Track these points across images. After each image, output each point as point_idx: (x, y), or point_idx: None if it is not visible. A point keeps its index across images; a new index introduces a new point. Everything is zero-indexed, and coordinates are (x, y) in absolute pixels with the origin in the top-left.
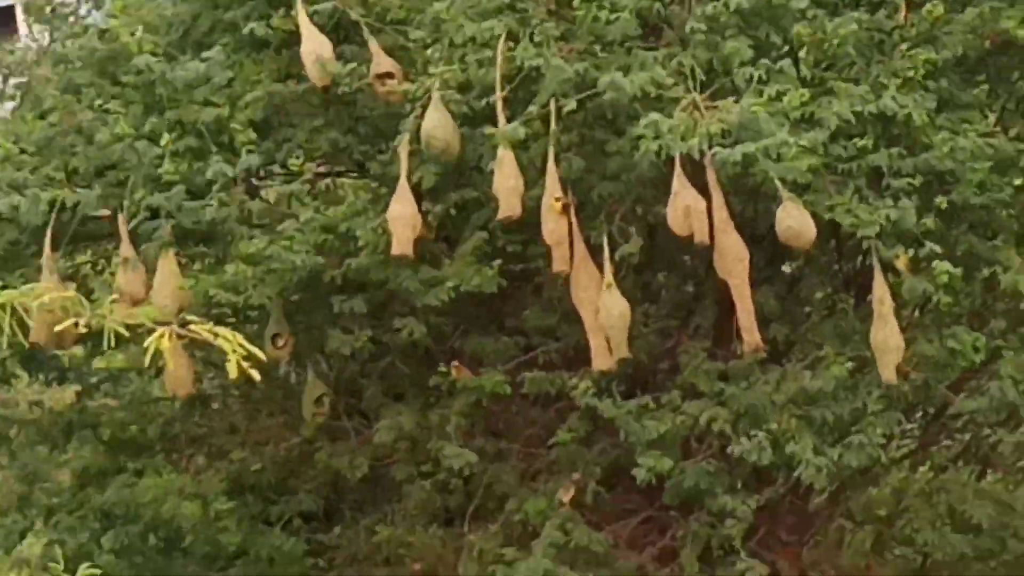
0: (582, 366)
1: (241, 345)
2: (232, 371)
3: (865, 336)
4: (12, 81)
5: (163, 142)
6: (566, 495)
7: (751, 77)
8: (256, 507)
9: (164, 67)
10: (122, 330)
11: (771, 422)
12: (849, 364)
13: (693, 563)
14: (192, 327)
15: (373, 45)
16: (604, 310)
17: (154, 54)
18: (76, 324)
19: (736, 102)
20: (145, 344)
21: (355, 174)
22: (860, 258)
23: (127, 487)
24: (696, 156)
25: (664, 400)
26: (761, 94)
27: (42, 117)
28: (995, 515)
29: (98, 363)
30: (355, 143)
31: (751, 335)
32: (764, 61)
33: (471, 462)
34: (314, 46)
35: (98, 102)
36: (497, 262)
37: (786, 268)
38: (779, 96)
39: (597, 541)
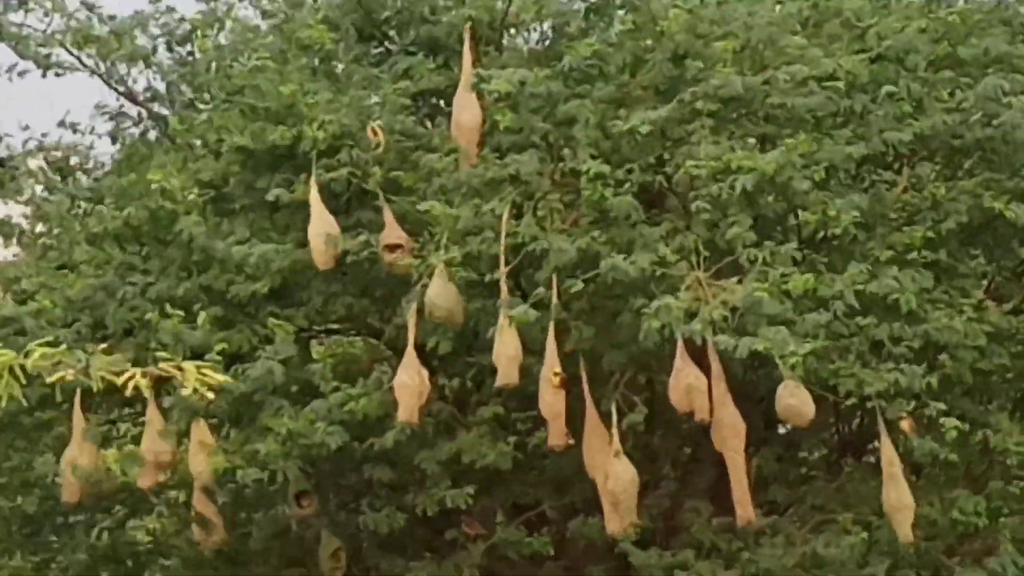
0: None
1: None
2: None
3: (867, 498)
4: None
5: (200, 319)
6: None
7: (755, 258)
8: None
9: (206, 236)
10: None
11: None
12: (856, 528)
13: None
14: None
15: (387, 215)
16: (613, 477)
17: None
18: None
19: (739, 282)
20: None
21: (371, 339)
22: (861, 420)
23: None
24: (698, 341)
25: (680, 558)
26: (765, 276)
27: (68, 268)
28: None
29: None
30: (369, 307)
31: (744, 509)
32: (768, 244)
33: None
34: (322, 226)
35: (130, 259)
36: (512, 439)
37: (782, 430)
38: (783, 278)
39: None
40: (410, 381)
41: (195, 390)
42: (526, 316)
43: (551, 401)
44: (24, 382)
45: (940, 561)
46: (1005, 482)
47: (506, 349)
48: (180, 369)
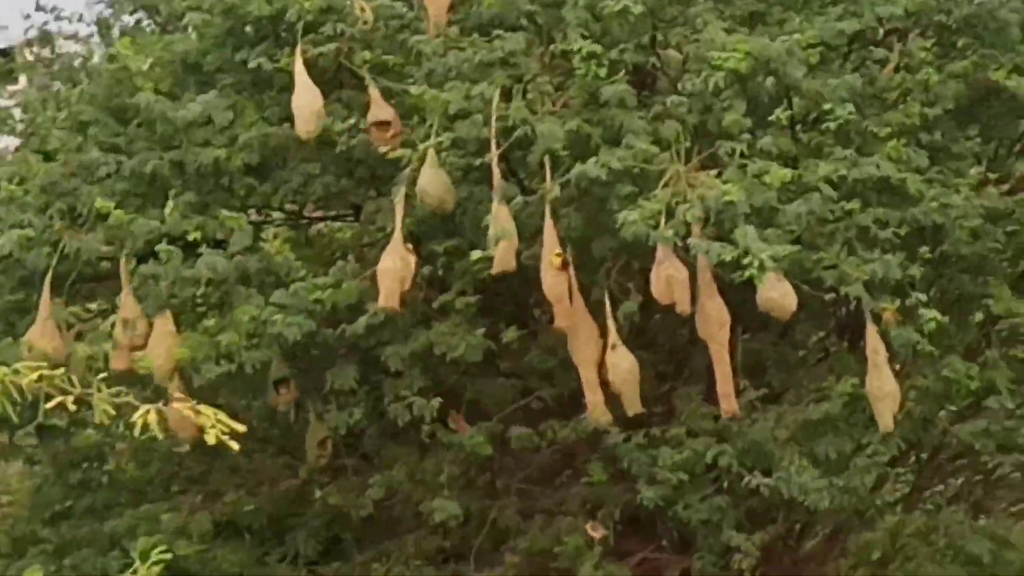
0: (578, 412)
1: (220, 420)
2: (211, 440)
3: (861, 378)
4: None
5: (167, 209)
6: (596, 532)
7: (734, 151)
8: (255, 548)
9: (166, 106)
10: (110, 409)
11: (775, 457)
12: (850, 387)
13: None
14: (176, 404)
15: (373, 92)
16: (613, 368)
17: (157, 91)
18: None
19: (719, 175)
20: (133, 419)
21: (350, 218)
22: (852, 304)
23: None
24: (671, 246)
25: (669, 435)
26: (744, 168)
27: (46, 158)
28: (994, 550)
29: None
30: (351, 187)
31: (728, 402)
32: (746, 136)
33: (454, 514)
34: (305, 99)
35: (102, 139)
36: (481, 331)
37: None
38: (761, 173)
39: None
40: (393, 265)
41: (216, 436)
42: (509, 191)
43: (553, 283)
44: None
45: (938, 432)
46: (1007, 348)
47: (501, 235)
48: (196, 412)
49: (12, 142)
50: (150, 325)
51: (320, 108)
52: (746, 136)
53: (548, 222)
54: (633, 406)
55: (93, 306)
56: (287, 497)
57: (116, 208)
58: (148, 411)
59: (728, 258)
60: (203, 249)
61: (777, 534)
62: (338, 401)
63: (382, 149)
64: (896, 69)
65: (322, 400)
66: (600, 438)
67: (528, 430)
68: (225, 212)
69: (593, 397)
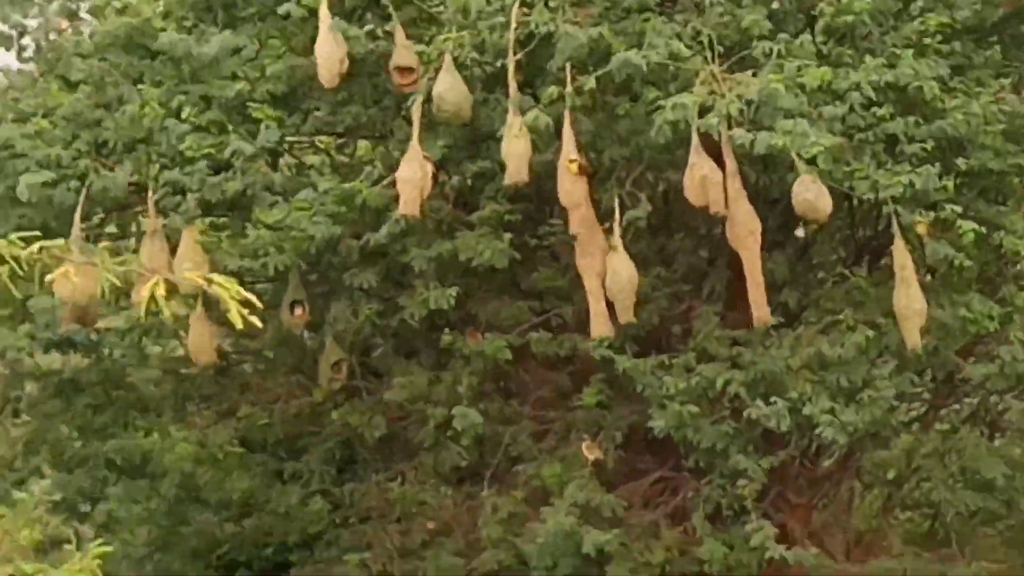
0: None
1: (239, 292)
2: (235, 320)
3: (878, 301)
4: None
5: (184, 115)
6: (591, 453)
7: (770, 51)
8: (271, 463)
9: (190, 43)
10: (115, 280)
11: (787, 386)
12: (868, 332)
13: (704, 524)
14: (188, 274)
15: (399, 36)
16: (611, 274)
17: (179, 30)
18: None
19: (754, 75)
20: (139, 293)
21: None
22: (875, 224)
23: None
24: (715, 136)
25: (679, 361)
26: (780, 68)
27: (68, 85)
28: (1008, 473)
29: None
30: (377, 116)
31: (760, 309)
32: (783, 35)
33: (477, 423)
34: (328, 47)
35: (130, 70)
36: (508, 236)
37: (799, 233)
38: (799, 71)
39: (615, 504)
40: (412, 175)
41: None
42: (536, 121)
43: (571, 189)
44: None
45: (950, 361)
46: (1018, 288)
47: (515, 147)
48: (209, 282)
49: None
50: (174, 242)
51: (343, 56)
52: (782, 36)
53: (567, 128)
54: (626, 314)
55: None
56: (300, 417)
57: (141, 143)
58: (155, 281)
59: (780, 144)
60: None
61: (789, 457)
62: (352, 309)
63: (404, 91)
64: None
65: (334, 321)
66: (613, 359)
67: (550, 336)
68: (253, 104)
69: (596, 306)
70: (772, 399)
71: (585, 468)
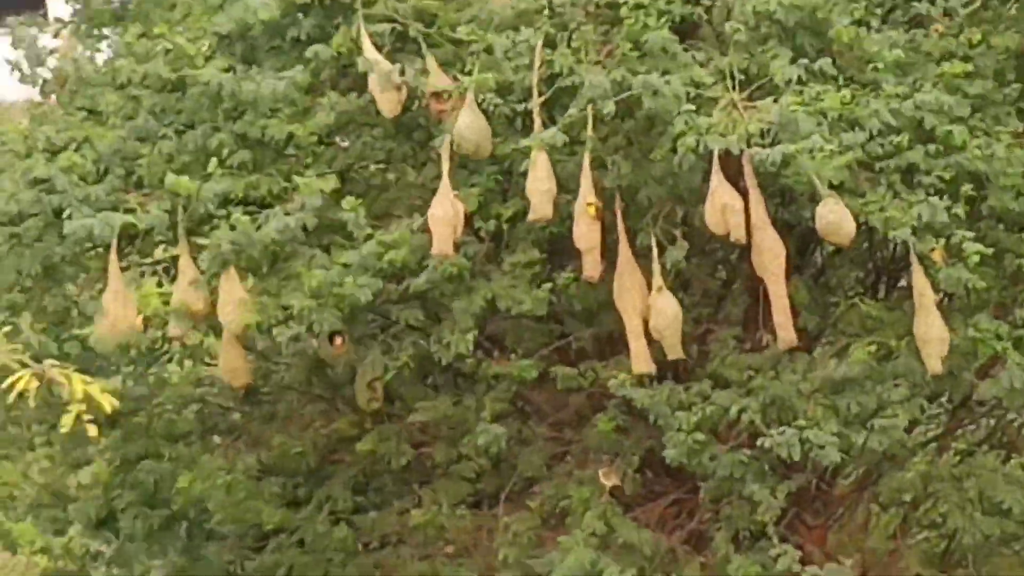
0: (615, 354)
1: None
2: (66, 424)
3: (892, 325)
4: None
5: (221, 156)
6: (608, 480)
7: (790, 79)
8: (289, 493)
9: (233, 83)
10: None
11: (798, 412)
12: (872, 348)
13: (727, 545)
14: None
15: (431, 63)
16: (657, 313)
17: (225, 70)
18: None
19: (775, 102)
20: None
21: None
22: (892, 248)
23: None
24: (735, 151)
25: (693, 390)
26: (800, 94)
27: (94, 116)
28: None
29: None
30: (409, 151)
31: (786, 332)
32: (803, 61)
33: (500, 436)
34: (383, 72)
35: (162, 102)
36: (548, 285)
37: (816, 257)
38: (818, 96)
39: (643, 539)
40: (443, 213)
41: None
42: (554, 139)
43: (586, 232)
44: None
45: (964, 383)
46: None
47: (539, 183)
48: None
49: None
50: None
51: (399, 83)
52: (802, 62)
53: (585, 170)
54: (674, 351)
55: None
56: (325, 445)
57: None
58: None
59: (794, 149)
60: (252, 210)
61: (806, 480)
62: (384, 346)
63: (441, 117)
64: (940, 34)
65: (370, 343)
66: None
67: (573, 370)
68: (299, 178)
69: (637, 345)
70: (783, 428)
71: (603, 496)
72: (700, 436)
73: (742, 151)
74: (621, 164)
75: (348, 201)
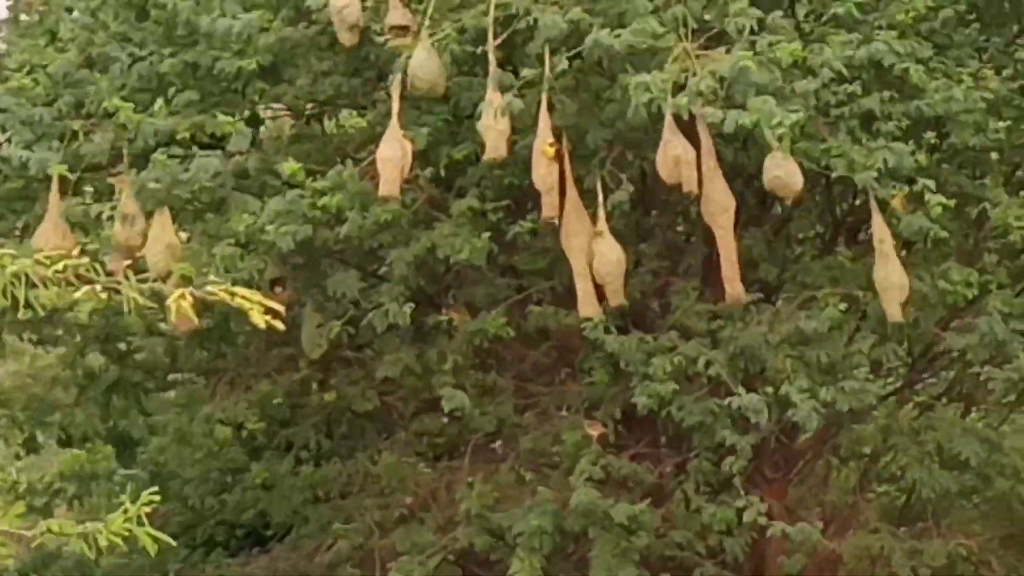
0: (574, 307)
1: (259, 301)
2: (258, 322)
3: (856, 275)
4: None
5: (167, 92)
6: (594, 430)
7: (743, 27)
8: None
9: (191, 12)
10: (139, 297)
11: (766, 362)
12: (842, 305)
13: (696, 496)
14: (211, 288)
15: None
16: (599, 257)
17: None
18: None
19: (728, 51)
20: (169, 303)
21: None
22: (853, 199)
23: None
24: (685, 116)
25: (660, 341)
26: (753, 45)
27: (53, 39)
28: (982, 453)
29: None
30: (359, 87)
31: (733, 286)
32: (756, 11)
33: (464, 405)
34: (343, 3)
35: (117, 30)
36: (487, 234)
37: (775, 210)
38: (771, 46)
39: (642, 472)
40: (392, 154)
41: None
42: (511, 106)
43: (544, 174)
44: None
45: (930, 333)
46: (1002, 258)
47: (494, 122)
48: (232, 295)
49: None
50: (148, 224)
51: (359, 14)
52: (752, 11)
53: (543, 111)
54: (616, 297)
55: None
56: (292, 391)
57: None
58: (182, 294)
59: (748, 123)
60: (198, 150)
61: (767, 433)
62: (336, 307)
63: (400, 51)
64: None
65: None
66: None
67: (544, 309)
68: (221, 116)
69: (584, 286)
70: (753, 387)
71: (593, 444)
72: (673, 385)
73: (692, 114)
74: (567, 105)
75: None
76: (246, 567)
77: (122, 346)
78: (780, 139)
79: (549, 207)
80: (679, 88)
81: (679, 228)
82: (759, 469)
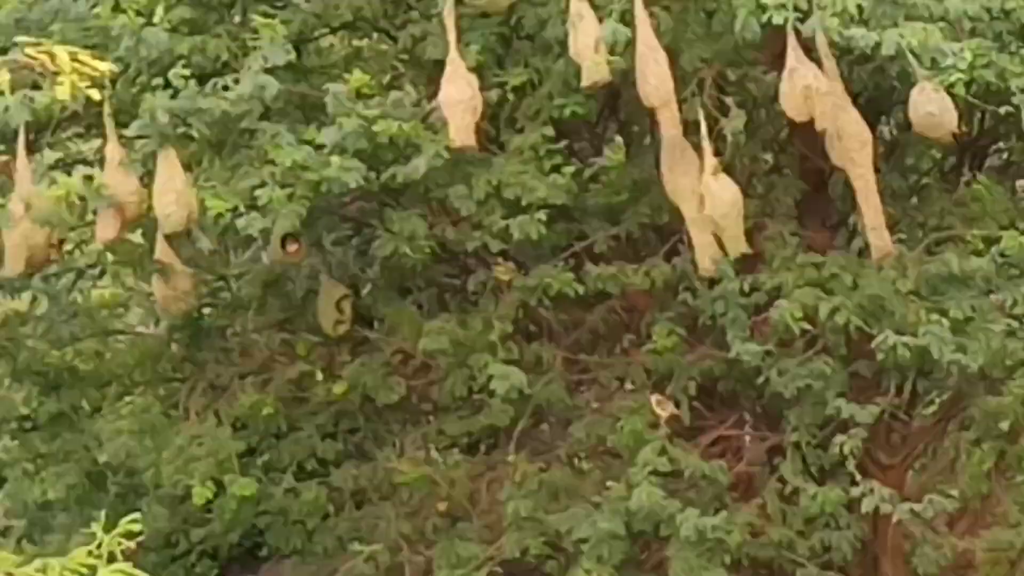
0: (640, 260)
1: (79, 61)
2: (63, 93)
3: (993, 211)
4: None
5: (156, 17)
6: (664, 409)
7: None
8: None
9: None
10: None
11: (897, 313)
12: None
13: (797, 476)
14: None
15: None
16: (711, 199)
17: None
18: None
19: None
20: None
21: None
22: (980, 116)
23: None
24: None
25: (767, 285)
26: None
27: None
28: None
29: None
30: (379, 10)
31: (880, 236)
32: None
33: (518, 384)
34: None
35: None
36: (569, 168)
37: (885, 129)
38: None
39: (718, 472)
40: (461, 95)
41: (71, 86)
42: (619, 33)
43: (658, 84)
44: None
45: None
46: None
47: (587, 39)
48: (51, 56)
49: None
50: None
51: None
52: None
53: (639, 10)
54: (737, 245)
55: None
56: (289, 387)
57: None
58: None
59: (915, 43)
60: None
61: (889, 404)
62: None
63: None
64: None
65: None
66: (668, 292)
67: (601, 268)
68: (260, 19)
69: (701, 237)
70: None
71: (660, 427)
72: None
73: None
74: (661, 19)
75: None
76: None
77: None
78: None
79: (670, 123)
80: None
81: (765, 158)
82: (871, 453)
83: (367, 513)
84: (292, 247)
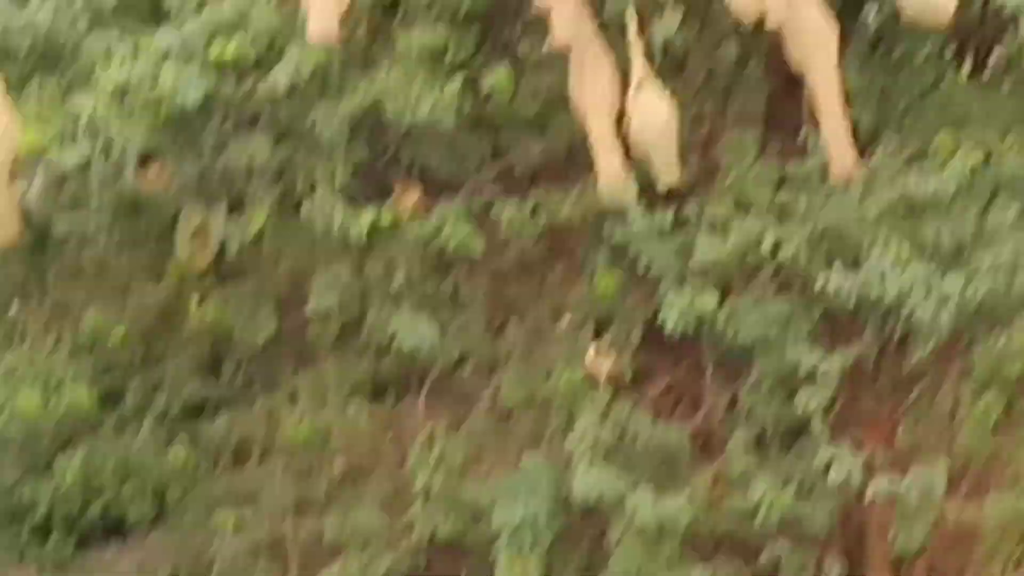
0: (574, 180)
1: None
2: None
3: (986, 115)
4: None
5: None
6: (601, 365)
7: None
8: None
9: None
10: None
11: (861, 245)
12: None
13: (746, 455)
14: None
15: None
16: (639, 117)
17: None
18: None
19: None
20: None
21: None
22: (981, 6)
23: None
24: None
25: (704, 215)
26: None
27: None
28: None
29: None
30: None
31: (842, 156)
32: None
33: (428, 338)
34: None
35: None
36: (457, 80)
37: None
38: None
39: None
40: None
41: None
42: None
43: None
44: None
45: None
46: None
47: None
48: None
49: None
50: None
51: None
52: None
53: None
54: (669, 173)
55: None
56: (149, 317)
57: None
58: None
59: None
60: None
61: (866, 350)
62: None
63: None
64: None
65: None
66: (606, 218)
67: (518, 208)
68: None
69: (608, 159)
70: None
71: (599, 385)
72: (713, 299)
73: None
74: None
75: None
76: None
77: None
78: None
79: (563, 27)
80: None
81: (728, 53)
82: (855, 402)
83: (248, 474)
84: (153, 169)
